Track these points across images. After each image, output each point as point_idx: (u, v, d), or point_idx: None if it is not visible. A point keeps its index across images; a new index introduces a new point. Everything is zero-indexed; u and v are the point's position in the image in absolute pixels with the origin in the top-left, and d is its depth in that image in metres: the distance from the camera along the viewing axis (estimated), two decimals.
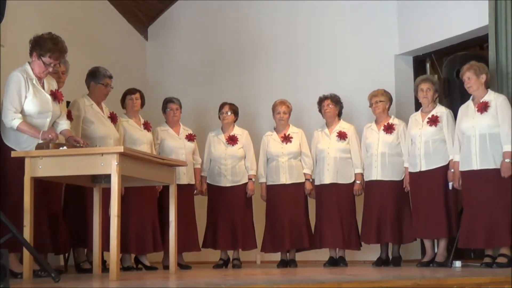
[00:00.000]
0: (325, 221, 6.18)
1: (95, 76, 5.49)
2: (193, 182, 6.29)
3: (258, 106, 7.41)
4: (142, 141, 5.91)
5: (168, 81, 8.03)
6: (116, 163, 4.02)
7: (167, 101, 6.39)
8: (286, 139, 6.33)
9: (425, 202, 5.74)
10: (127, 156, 4.16)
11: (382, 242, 6.10)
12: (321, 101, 6.39)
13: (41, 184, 4.37)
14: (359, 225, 6.22)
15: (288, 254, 6.34)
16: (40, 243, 4.44)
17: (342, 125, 6.34)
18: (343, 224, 6.15)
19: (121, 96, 6.05)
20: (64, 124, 4.71)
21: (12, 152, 4.27)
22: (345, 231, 6.14)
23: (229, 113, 6.42)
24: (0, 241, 3.73)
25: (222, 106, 6.47)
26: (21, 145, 4.43)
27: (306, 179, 6.30)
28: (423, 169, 5.78)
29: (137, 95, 6.02)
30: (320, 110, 6.42)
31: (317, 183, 6.29)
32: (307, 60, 7.43)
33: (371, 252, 6.42)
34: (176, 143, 6.25)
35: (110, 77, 5.52)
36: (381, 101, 6.17)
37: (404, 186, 6.01)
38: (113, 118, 5.62)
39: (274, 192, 6.29)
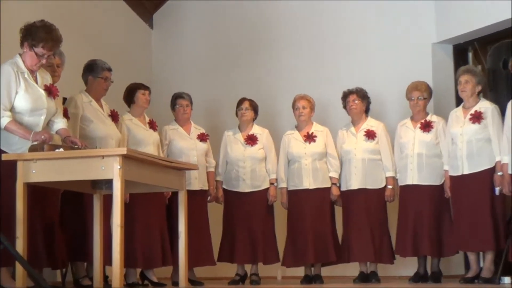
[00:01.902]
0: (353, 232, 6.16)
1: (92, 70, 5.51)
2: (206, 188, 6.30)
3: (277, 103, 7.43)
4: (148, 141, 5.92)
5: (176, 74, 8.04)
6: (119, 167, 4.00)
7: (176, 97, 6.40)
8: (309, 138, 6.32)
9: (468, 210, 5.70)
10: (131, 159, 4.15)
11: (419, 255, 6.06)
12: (345, 96, 6.38)
13: (35, 190, 4.36)
14: (392, 236, 6.19)
15: (312, 268, 6.32)
16: (35, 256, 4.44)
17: (370, 123, 6.33)
18: (374, 235, 6.14)
19: (127, 91, 6.05)
20: (60, 123, 4.71)
21: (2, 154, 4.26)
22: (376, 243, 6.13)
23: (248, 110, 6.42)
24: None
25: (240, 102, 6.49)
26: (13, 146, 4.42)
27: (332, 184, 6.29)
28: (466, 172, 5.73)
29: (148, 91, 6.05)
30: (344, 107, 6.42)
31: (343, 188, 6.27)
32: (332, 51, 7.43)
33: (407, 266, 6.39)
34: (186, 144, 6.26)
35: (109, 69, 5.53)
36: (424, 98, 6.15)
37: (444, 192, 5.97)
38: (114, 116, 5.62)
39: (296, 198, 6.28)
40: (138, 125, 5.96)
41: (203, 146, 6.36)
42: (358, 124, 6.32)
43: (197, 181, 6.16)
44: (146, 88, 6.02)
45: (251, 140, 6.40)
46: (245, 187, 6.33)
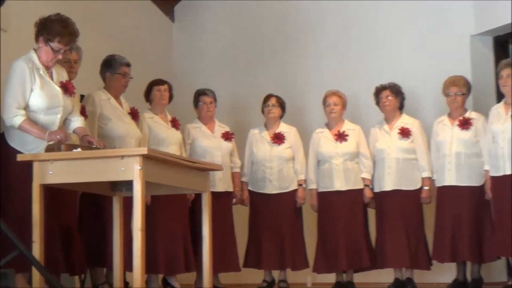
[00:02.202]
0: (387, 236, 6.13)
1: (110, 66, 5.51)
2: (231, 189, 6.31)
3: (305, 99, 7.41)
4: (170, 141, 5.92)
5: (199, 69, 8.04)
6: (139, 167, 3.99)
7: (199, 93, 6.40)
8: (341, 137, 6.29)
9: (510, 213, 5.61)
10: (152, 159, 4.13)
11: (458, 260, 6.02)
12: (378, 92, 6.36)
13: (52, 192, 4.36)
14: (429, 240, 6.15)
15: (344, 275, 6.30)
16: (52, 261, 4.44)
17: (404, 120, 6.30)
18: (410, 239, 6.10)
19: (146, 88, 6.07)
20: (77, 121, 4.72)
21: (17, 155, 4.26)
22: (412, 247, 6.09)
23: (275, 107, 6.42)
24: (5, 260, 3.72)
25: (267, 98, 6.50)
26: (28, 146, 4.43)
27: (365, 185, 6.27)
28: (508, 172, 5.65)
29: (166, 86, 6.04)
30: (377, 103, 6.39)
31: (376, 190, 6.26)
32: (364, 44, 7.38)
33: (445, 272, 6.32)
34: (210, 143, 6.27)
35: (128, 65, 5.52)
36: (463, 93, 6.10)
37: (484, 193, 5.91)
38: (134, 114, 5.62)
39: (327, 201, 6.27)
40: (159, 124, 5.95)
41: (228, 145, 6.36)
42: (392, 121, 6.30)
43: (221, 182, 6.16)
44: (162, 83, 6.02)
45: (278, 138, 6.40)
46: (272, 189, 6.33)
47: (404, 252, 6.03)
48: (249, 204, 6.42)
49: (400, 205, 6.11)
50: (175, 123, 6.06)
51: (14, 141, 4.47)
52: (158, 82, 6.04)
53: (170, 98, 6.10)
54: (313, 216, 6.40)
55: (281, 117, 6.51)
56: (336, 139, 6.29)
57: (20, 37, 5.21)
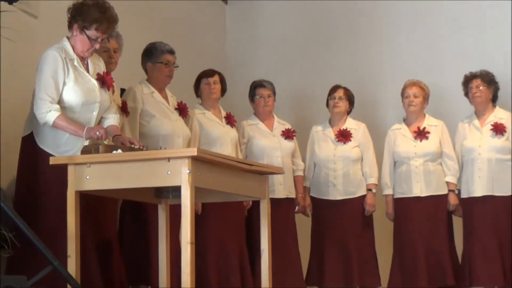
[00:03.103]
0: (477, 249, 6.10)
1: (151, 55, 5.51)
2: (293, 196, 6.31)
3: (378, 91, 7.38)
4: (224, 140, 5.91)
5: (255, 58, 8.05)
6: (188, 171, 3.99)
7: (255, 86, 6.41)
8: (421, 134, 6.27)
9: None
10: (203, 161, 4.13)
11: None
12: (467, 80, 6.33)
13: (89, 200, 4.39)
14: None
15: None
16: (89, 278, 4.45)
17: (498, 114, 6.29)
18: (503, 253, 6.09)
19: (195, 80, 6.06)
20: (110, 119, 4.73)
21: (50, 158, 4.30)
22: (506, 263, 6.07)
23: (342, 100, 6.38)
24: (37, 277, 3.73)
25: (333, 90, 6.48)
26: (61, 148, 4.46)
27: (449, 190, 6.24)
28: None
29: (216, 78, 6.02)
30: (466, 94, 6.36)
31: (464, 195, 6.23)
32: (448, 26, 7.31)
33: None
34: (269, 142, 6.26)
35: (171, 52, 5.51)
36: None
37: None
38: (182, 109, 5.61)
39: (405, 208, 6.26)
40: (212, 120, 5.95)
41: (289, 144, 6.35)
42: (483, 115, 6.27)
43: (282, 188, 6.16)
44: (211, 75, 6.02)
45: (344, 136, 6.38)
46: (336, 194, 6.32)
47: (497, 268, 5.99)
48: (311, 212, 6.43)
49: (492, 214, 6.08)
50: (230, 120, 6.06)
51: (45, 143, 4.49)
52: (207, 73, 6.04)
53: (223, 91, 6.09)
54: (387, 225, 6.39)
55: (348, 112, 6.50)
56: (416, 137, 6.26)
57: (52, 24, 5.25)
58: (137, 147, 4.43)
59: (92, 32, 4.47)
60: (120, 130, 4.82)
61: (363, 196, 6.31)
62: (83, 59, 4.57)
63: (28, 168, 4.51)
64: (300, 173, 6.38)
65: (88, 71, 4.58)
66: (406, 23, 7.51)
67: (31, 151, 4.52)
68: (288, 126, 6.40)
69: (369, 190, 6.32)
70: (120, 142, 4.53)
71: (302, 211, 6.38)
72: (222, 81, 6.05)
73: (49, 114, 4.37)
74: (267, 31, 8.09)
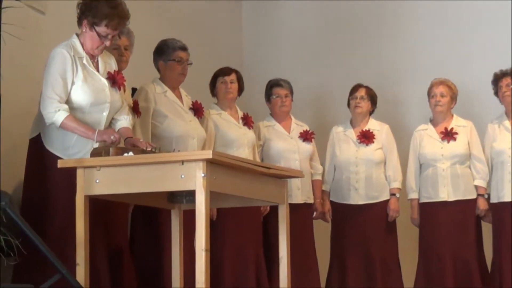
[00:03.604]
0: (508, 256, 6.06)
1: (162, 52, 5.51)
2: (311, 201, 6.32)
3: (402, 91, 7.39)
4: (241, 142, 5.92)
5: (273, 55, 8.06)
6: (203, 175, 3.99)
7: (272, 85, 6.42)
8: (448, 135, 6.27)
9: None
10: (219, 165, 4.14)
11: None
12: (497, 79, 6.33)
13: (99, 205, 4.40)
14: None
15: None
16: (99, 287, 4.48)
17: None
18: None
19: (210, 79, 6.07)
20: (122, 120, 4.72)
21: (58, 161, 4.31)
22: None
23: (364, 99, 6.37)
24: (45, 285, 3.75)
25: (354, 89, 6.48)
26: (69, 150, 4.47)
27: (478, 195, 6.24)
28: None
29: (232, 76, 6.03)
30: (496, 93, 6.35)
31: (493, 200, 6.22)
32: (476, 22, 7.29)
33: None
34: (286, 145, 6.27)
35: (183, 48, 5.50)
36: None
37: None
38: (197, 109, 5.62)
39: (431, 213, 6.26)
40: (228, 121, 5.96)
41: (307, 147, 6.36)
42: None
43: (299, 193, 6.18)
44: (228, 73, 6.02)
45: (366, 137, 6.38)
46: (358, 199, 6.33)
47: None
48: (331, 218, 6.43)
49: None
50: (247, 121, 6.07)
51: (52, 145, 4.50)
52: (223, 71, 6.04)
53: (240, 90, 6.09)
54: (411, 231, 6.41)
55: (371, 112, 6.51)
56: (443, 138, 6.26)
57: (60, 21, 5.28)
58: (149, 149, 4.42)
59: (102, 29, 4.46)
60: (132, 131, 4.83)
61: (386, 201, 6.32)
62: (93, 57, 4.57)
63: (36, 172, 4.53)
64: (319, 177, 6.39)
65: (98, 70, 4.59)
66: (432, 19, 7.49)
67: (38, 153, 4.54)
68: (306, 127, 6.40)
69: (392, 194, 6.32)
70: (132, 144, 4.52)
71: (320, 216, 6.39)
72: (239, 80, 6.06)
73: (57, 113, 4.37)
74: (285, 28, 8.10)
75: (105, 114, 4.56)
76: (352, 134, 6.43)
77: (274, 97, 6.34)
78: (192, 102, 5.61)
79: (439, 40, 7.43)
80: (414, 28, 7.56)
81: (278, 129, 6.32)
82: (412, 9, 7.57)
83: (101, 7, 4.46)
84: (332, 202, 6.41)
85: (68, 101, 4.45)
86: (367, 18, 7.76)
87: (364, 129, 6.41)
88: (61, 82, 4.42)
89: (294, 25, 8.07)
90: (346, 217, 6.33)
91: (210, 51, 6.86)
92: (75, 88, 4.46)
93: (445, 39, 7.40)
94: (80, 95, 4.46)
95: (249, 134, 6.02)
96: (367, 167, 6.34)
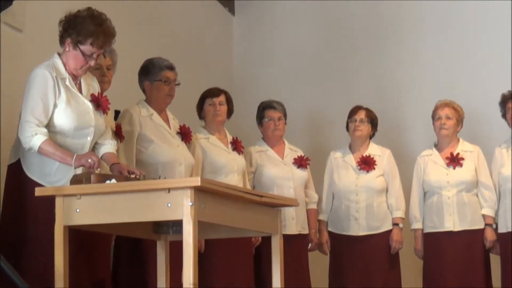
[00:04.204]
0: None
1: (148, 72, 5.52)
2: (306, 231, 6.33)
3: (404, 113, 7.46)
4: (231, 168, 5.94)
5: (265, 74, 8.11)
6: (191, 203, 3.99)
7: (264, 107, 6.45)
8: (454, 161, 6.31)
9: None
10: (208, 193, 4.13)
11: None
12: (505, 100, 6.38)
13: (79, 236, 4.39)
14: None
15: None
16: None
17: None
18: None
19: (198, 100, 6.08)
20: (107, 145, 4.72)
21: (36, 188, 4.29)
22: None
23: (364, 122, 6.38)
24: None
25: (354, 111, 6.52)
26: (50, 178, 4.47)
27: (486, 224, 6.26)
28: None
29: (221, 98, 6.04)
30: (504, 115, 6.38)
31: (501, 230, 6.25)
32: (483, 40, 7.35)
33: None
34: (279, 171, 6.29)
35: (170, 68, 5.52)
36: None
37: None
38: (185, 134, 5.63)
39: (436, 244, 6.29)
40: (217, 146, 5.97)
41: (302, 174, 6.38)
42: None
43: (294, 222, 6.19)
44: (216, 94, 6.01)
45: (367, 164, 6.42)
46: (358, 230, 6.37)
47: None
48: (330, 249, 6.43)
49: None
50: (237, 145, 6.07)
51: (32, 171, 4.50)
52: (212, 92, 6.04)
53: (230, 112, 6.10)
54: (415, 263, 6.44)
55: (371, 136, 6.53)
56: (448, 164, 6.31)
57: (39, 39, 5.30)
58: (135, 176, 4.42)
59: (87, 47, 4.47)
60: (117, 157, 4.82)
61: (389, 232, 6.34)
62: (75, 78, 4.57)
63: (15, 199, 4.51)
64: (314, 206, 6.41)
65: (81, 92, 4.58)
66: (436, 37, 7.57)
67: (17, 180, 4.52)
68: (300, 153, 6.42)
69: (395, 224, 6.35)
70: (118, 171, 4.52)
71: (316, 248, 6.39)
72: (229, 102, 6.06)
73: (34, 138, 4.35)
74: (278, 45, 8.14)
75: (89, 138, 4.56)
76: (352, 160, 6.45)
77: (266, 120, 6.35)
78: (180, 126, 5.62)
79: (444, 60, 7.49)
80: (416, 47, 7.63)
81: (271, 155, 6.33)
82: (416, 27, 7.63)
83: (86, 24, 4.46)
84: (330, 233, 6.43)
85: (50, 125, 4.45)
86: (367, 35, 7.82)
87: (364, 155, 6.44)
88: (41, 105, 4.41)
89: (288, 43, 8.12)
90: (345, 249, 6.36)
91: (198, 70, 6.89)
92: (58, 112, 4.46)
93: (450, 59, 7.46)
94: (63, 118, 4.46)
95: (239, 159, 6.02)
96: (367, 196, 6.36)
